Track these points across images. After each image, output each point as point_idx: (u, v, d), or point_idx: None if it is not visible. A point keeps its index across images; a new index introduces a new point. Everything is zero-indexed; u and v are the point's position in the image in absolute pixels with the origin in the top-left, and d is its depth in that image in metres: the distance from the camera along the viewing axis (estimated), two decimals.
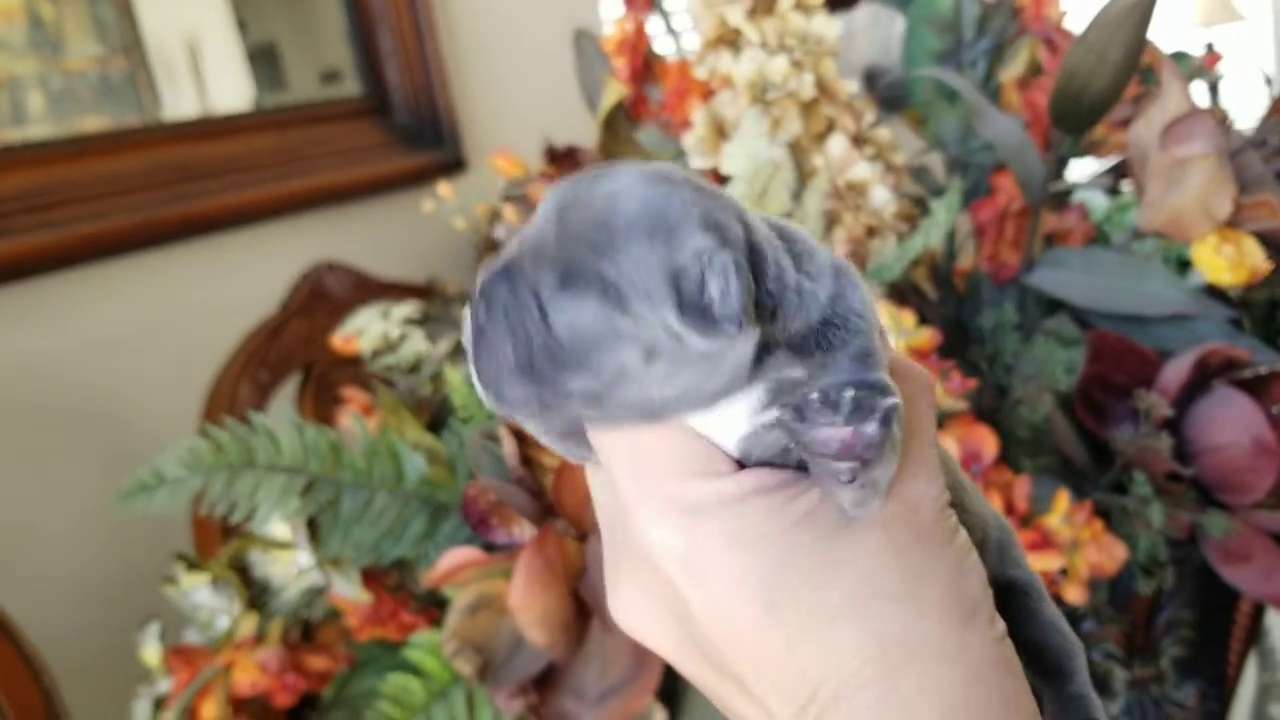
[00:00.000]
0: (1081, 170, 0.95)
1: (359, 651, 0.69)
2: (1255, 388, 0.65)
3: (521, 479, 0.61)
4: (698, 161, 0.78)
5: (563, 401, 0.25)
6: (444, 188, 0.90)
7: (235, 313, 0.99)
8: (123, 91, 1.04)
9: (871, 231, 0.77)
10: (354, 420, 0.68)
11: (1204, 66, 0.95)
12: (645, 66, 0.86)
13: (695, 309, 0.23)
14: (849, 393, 0.25)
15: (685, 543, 0.27)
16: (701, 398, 0.25)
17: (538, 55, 1.35)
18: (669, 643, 0.29)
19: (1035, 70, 0.86)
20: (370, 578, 0.65)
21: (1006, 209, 0.83)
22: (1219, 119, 0.70)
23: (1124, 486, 0.68)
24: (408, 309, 0.83)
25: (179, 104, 1.09)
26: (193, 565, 0.65)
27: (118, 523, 0.96)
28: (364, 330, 0.82)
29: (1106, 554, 0.64)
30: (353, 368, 0.92)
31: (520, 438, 0.61)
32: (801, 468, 0.27)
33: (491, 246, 0.91)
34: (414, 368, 0.80)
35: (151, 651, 0.66)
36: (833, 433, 0.24)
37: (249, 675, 0.62)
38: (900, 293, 0.79)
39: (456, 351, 0.80)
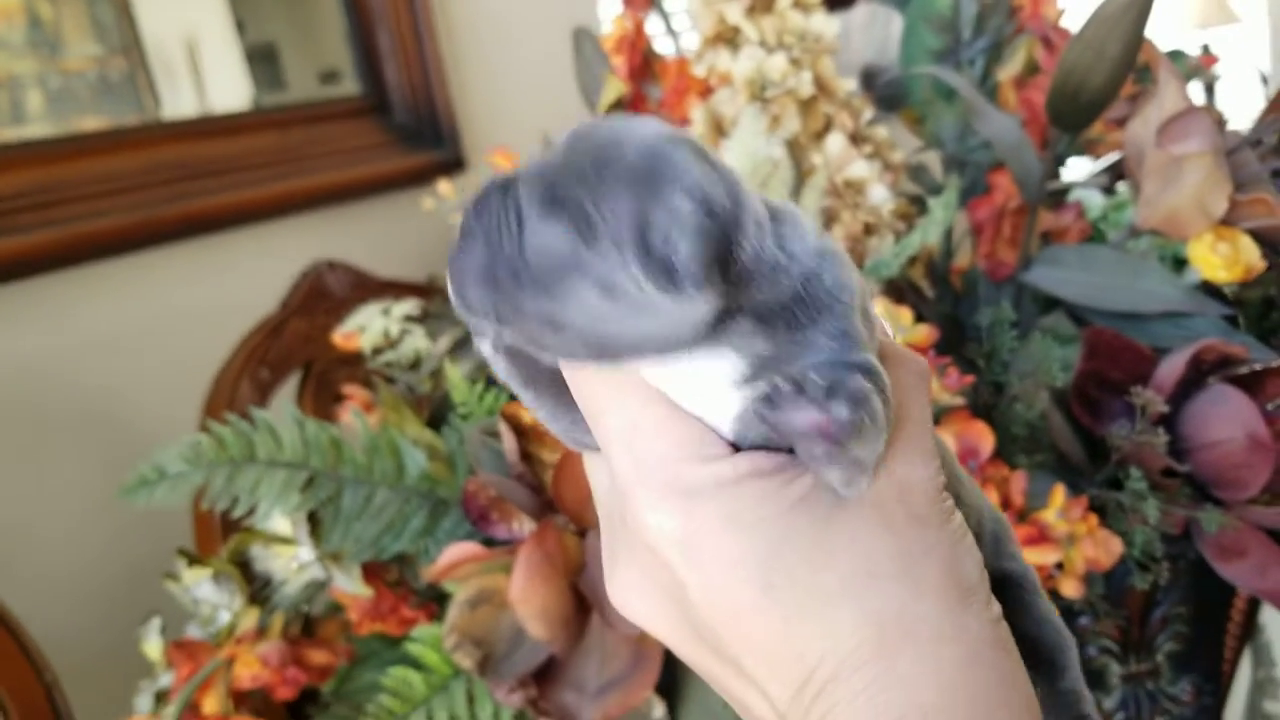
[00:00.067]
0: (1078, 169, 0.96)
1: (360, 646, 0.69)
2: (1250, 384, 0.66)
3: (521, 474, 0.61)
4: None
5: (519, 319, 0.25)
6: (444, 186, 0.90)
7: (235, 312, 0.99)
8: (122, 91, 1.04)
9: (869, 229, 0.77)
10: (355, 416, 0.68)
11: (1200, 67, 0.95)
12: (644, 65, 0.86)
13: (658, 262, 0.23)
14: (815, 375, 0.25)
15: (682, 525, 0.27)
16: (654, 345, 0.25)
17: (537, 54, 1.35)
18: (666, 626, 0.29)
19: (1033, 69, 0.87)
20: (371, 572, 0.65)
21: (1004, 207, 0.83)
22: (1215, 119, 0.71)
23: (1119, 482, 0.68)
24: (408, 306, 0.83)
25: (178, 104, 1.09)
26: (194, 560, 0.65)
27: (118, 521, 0.96)
28: (365, 327, 0.82)
29: (1102, 549, 0.64)
30: (352, 367, 0.93)
31: (520, 433, 0.61)
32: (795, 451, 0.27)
33: None
34: (414, 364, 0.81)
35: (153, 646, 0.66)
36: (802, 415, 0.25)
37: (250, 669, 0.62)
38: (898, 290, 0.79)
39: (456, 349, 0.81)
